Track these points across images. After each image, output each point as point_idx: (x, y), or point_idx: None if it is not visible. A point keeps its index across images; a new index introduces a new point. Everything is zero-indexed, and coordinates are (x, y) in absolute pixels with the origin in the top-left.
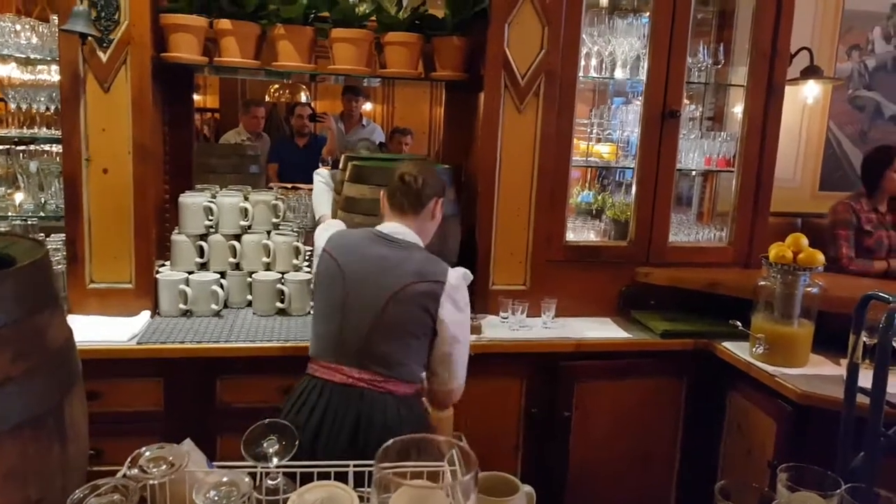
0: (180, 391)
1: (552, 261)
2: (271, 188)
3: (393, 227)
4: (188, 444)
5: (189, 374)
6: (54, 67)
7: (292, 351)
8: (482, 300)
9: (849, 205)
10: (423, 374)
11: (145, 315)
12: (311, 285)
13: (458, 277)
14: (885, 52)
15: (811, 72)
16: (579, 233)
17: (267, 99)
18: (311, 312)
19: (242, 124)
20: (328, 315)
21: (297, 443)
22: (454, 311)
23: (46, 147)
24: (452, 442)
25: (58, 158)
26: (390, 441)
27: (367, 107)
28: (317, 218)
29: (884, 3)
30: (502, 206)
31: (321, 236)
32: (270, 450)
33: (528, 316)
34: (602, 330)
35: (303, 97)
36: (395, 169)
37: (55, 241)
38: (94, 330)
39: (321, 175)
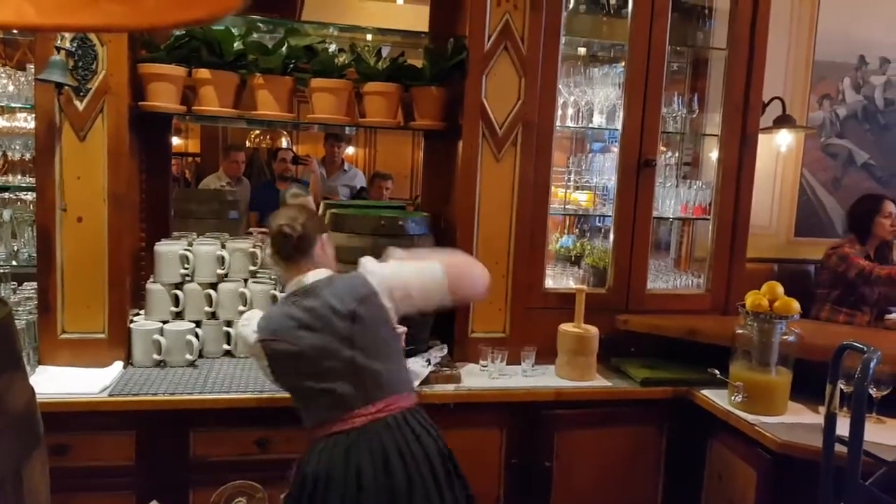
0: (153, 444)
1: (531, 308)
2: (251, 233)
3: (297, 281)
4: None
5: (162, 426)
6: (30, 115)
7: (268, 402)
8: (462, 348)
9: (846, 245)
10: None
11: (118, 366)
12: (269, 375)
13: (370, 268)
14: (855, 101)
15: (784, 121)
16: (558, 280)
17: (248, 144)
18: (290, 394)
19: (223, 169)
20: (314, 388)
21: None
22: (382, 277)
23: (21, 195)
24: None
25: (31, 207)
26: None
27: (350, 151)
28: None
29: (852, 55)
30: (481, 253)
31: (245, 332)
32: None
33: (507, 364)
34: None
35: (284, 142)
36: (273, 226)
37: (27, 290)
38: (64, 381)
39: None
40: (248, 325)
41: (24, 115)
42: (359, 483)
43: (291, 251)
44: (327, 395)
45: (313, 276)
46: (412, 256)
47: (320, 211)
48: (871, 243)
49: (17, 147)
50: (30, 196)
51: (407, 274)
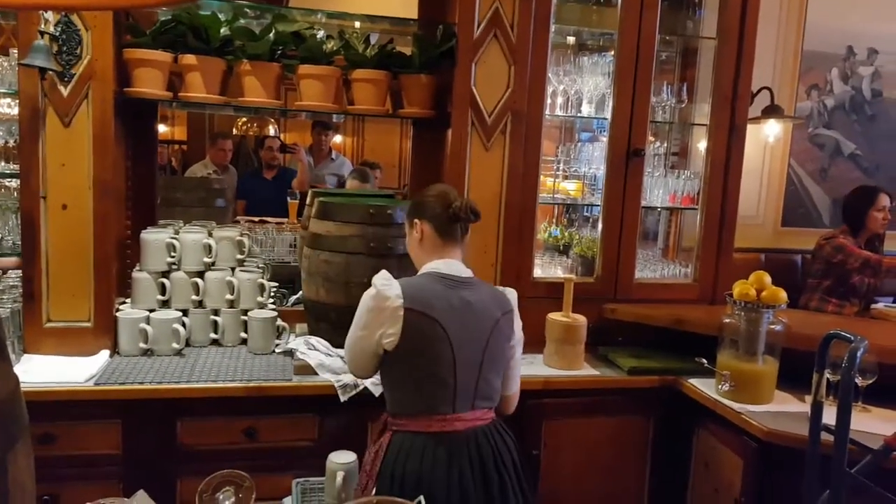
0: (139, 433)
1: (520, 297)
2: (238, 222)
3: (450, 265)
4: (141, 496)
5: (149, 415)
6: (14, 101)
7: (256, 391)
8: None
9: (840, 235)
10: None
11: (104, 355)
12: (390, 343)
13: (514, 296)
14: (842, 92)
15: (772, 111)
16: (547, 269)
17: (235, 132)
18: (401, 372)
19: (209, 157)
20: (435, 375)
21: (254, 496)
22: (520, 328)
23: (4, 182)
24: None
25: (15, 194)
26: None
27: (338, 139)
28: None
29: (840, 46)
30: (470, 242)
31: (388, 292)
32: (227, 502)
33: None
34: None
35: (271, 130)
36: (441, 195)
37: (12, 278)
38: (50, 371)
39: None
40: (390, 285)
41: (8, 100)
42: (461, 488)
43: (462, 233)
44: (444, 387)
45: (461, 267)
46: None
47: (308, 199)
48: (862, 235)
49: (1, 133)
50: (13, 183)
51: (519, 357)
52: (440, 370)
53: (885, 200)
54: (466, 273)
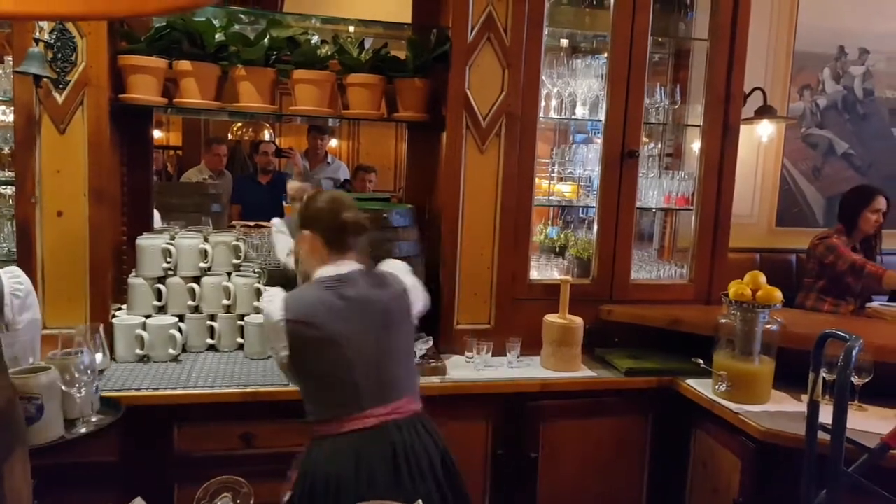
0: (136, 440)
1: (517, 299)
2: (233, 227)
3: (339, 266)
4: (138, 503)
5: (145, 422)
6: (9, 108)
7: (253, 396)
8: (447, 340)
9: (833, 235)
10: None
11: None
12: (284, 357)
13: (404, 271)
14: (834, 91)
15: (765, 111)
16: (543, 271)
17: (230, 137)
18: (303, 382)
19: (204, 162)
20: (334, 379)
21: (252, 502)
22: (410, 279)
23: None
24: None
25: (11, 201)
26: None
27: (333, 143)
28: (281, 264)
29: (832, 46)
30: (466, 245)
31: (270, 309)
32: None
33: (493, 355)
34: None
35: (266, 135)
36: (334, 210)
37: None
38: None
39: (275, 225)
40: (273, 301)
41: (3, 107)
42: (370, 486)
43: (352, 242)
44: (344, 389)
45: (349, 265)
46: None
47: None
48: (856, 235)
49: None
50: (9, 190)
51: (419, 287)
52: (337, 372)
53: (881, 203)
54: (348, 269)
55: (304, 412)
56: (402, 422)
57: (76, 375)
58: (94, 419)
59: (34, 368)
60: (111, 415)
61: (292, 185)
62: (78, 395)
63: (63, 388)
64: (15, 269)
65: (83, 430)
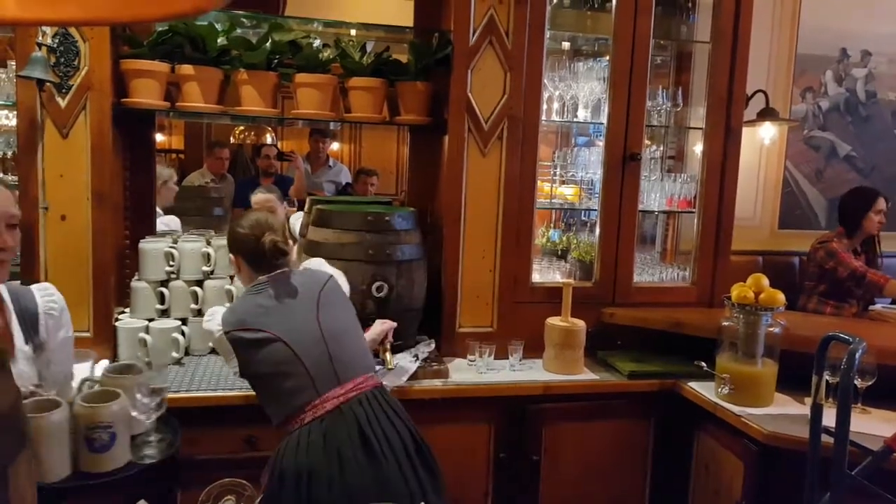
0: None
1: (519, 302)
2: None
3: (261, 277)
4: None
5: None
6: (12, 112)
7: (255, 400)
8: (449, 343)
9: (837, 240)
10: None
11: (103, 364)
12: (236, 368)
13: (323, 263)
14: (836, 94)
15: (767, 114)
16: (545, 274)
17: (232, 140)
18: (259, 386)
19: (206, 166)
20: (284, 374)
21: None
22: (331, 268)
23: None
24: None
25: None
26: None
27: (335, 146)
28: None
29: (834, 48)
30: (468, 248)
31: (210, 326)
32: None
33: (495, 358)
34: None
35: (268, 138)
36: (253, 236)
37: None
38: None
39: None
40: (213, 319)
41: (6, 112)
42: (341, 466)
43: (272, 264)
44: (297, 380)
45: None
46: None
47: (306, 207)
48: (858, 237)
49: None
50: None
51: (342, 275)
52: (285, 368)
53: (882, 204)
54: (274, 272)
55: (270, 420)
56: (362, 397)
57: (139, 398)
58: (152, 438)
59: (102, 393)
60: (167, 433)
61: (257, 199)
62: (147, 420)
63: (133, 414)
64: (48, 287)
65: (150, 456)
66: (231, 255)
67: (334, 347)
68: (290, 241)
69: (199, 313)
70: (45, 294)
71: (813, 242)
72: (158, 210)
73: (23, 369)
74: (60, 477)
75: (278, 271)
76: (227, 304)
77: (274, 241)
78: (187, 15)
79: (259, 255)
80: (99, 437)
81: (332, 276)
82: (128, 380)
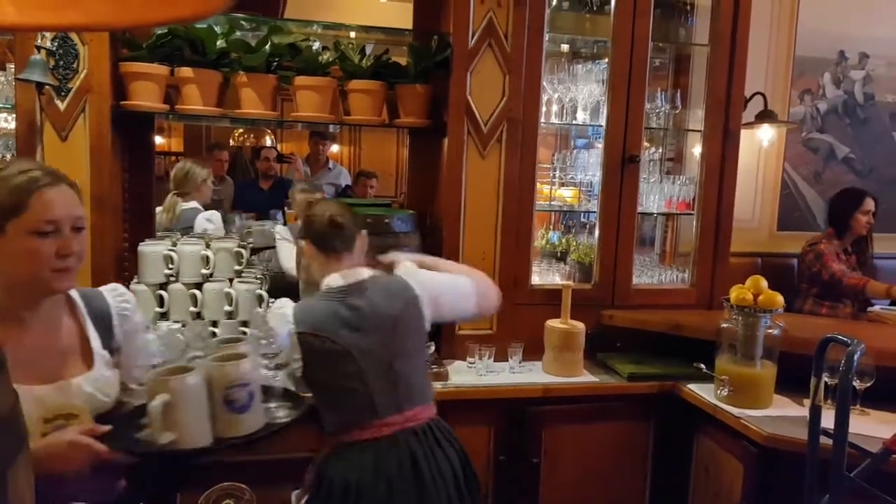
0: None
1: (518, 304)
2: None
3: (346, 275)
4: None
5: None
6: (11, 115)
7: None
8: (449, 345)
9: (826, 242)
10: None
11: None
12: (297, 370)
13: (410, 273)
14: (835, 96)
15: (765, 116)
16: (544, 276)
17: (231, 143)
18: (317, 393)
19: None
20: (347, 389)
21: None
22: (422, 284)
23: None
24: None
25: None
26: None
27: (334, 149)
28: (286, 273)
29: (832, 50)
30: (468, 250)
31: (280, 317)
32: None
33: (494, 360)
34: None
35: (268, 141)
36: (318, 214)
37: None
38: None
39: (278, 233)
40: (283, 311)
41: (5, 115)
42: (390, 492)
43: (338, 244)
44: (359, 398)
45: (356, 274)
46: (422, 262)
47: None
48: (848, 238)
49: None
50: None
51: (440, 284)
52: (348, 383)
53: (870, 204)
54: (355, 278)
55: (322, 421)
56: (418, 429)
57: (259, 360)
58: (273, 403)
59: (229, 355)
60: (287, 397)
61: (299, 199)
62: (276, 379)
63: (263, 372)
64: (117, 287)
65: (283, 417)
66: (300, 241)
67: (400, 373)
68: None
69: (199, 316)
70: (115, 294)
71: (804, 244)
72: (198, 205)
73: (104, 374)
74: (202, 444)
75: (361, 279)
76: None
77: (331, 216)
78: (188, 20)
79: (321, 233)
80: (238, 397)
81: (417, 295)
82: (244, 343)
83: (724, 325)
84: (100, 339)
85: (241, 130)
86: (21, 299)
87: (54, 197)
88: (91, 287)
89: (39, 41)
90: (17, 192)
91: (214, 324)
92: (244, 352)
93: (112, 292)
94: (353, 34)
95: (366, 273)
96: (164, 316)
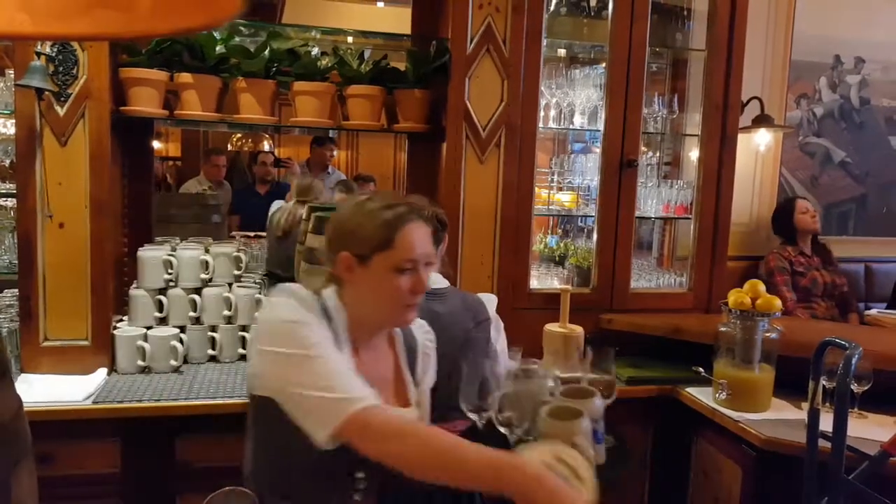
0: (138, 452)
1: (517, 308)
2: (234, 237)
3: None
4: None
5: (147, 433)
6: (10, 121)
7: None
8: None
9: (778, 253)
10: None
11: (102, 373)
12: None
13: (493, 302)
14: (831, 100)
15: (762, 120)
16: (543, 280)
17: (229, 147)
18: None
19: (203, 173)
20: None
21: None
22: (500, 338)
23: (1, 201)
24: None
25: (12, 213)
26: None
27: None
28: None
29: (828, 55)
30: (466, 254)
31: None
32: None
33: None
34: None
35: (265, 145)
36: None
37: (8, 297)
38: (47, 389)
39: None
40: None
41: (4, 120)
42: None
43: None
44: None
45: (437, 279)
46: None
47: (304, 214)
48: (801, 240)
49: None
50: (10, 202)
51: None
52: None
53: (804, 205)
54: (439, 284)
55: None
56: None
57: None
58: None
59: (575, 389)
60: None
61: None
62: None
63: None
64: (425, 324)
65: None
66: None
67: (457, 386)
68: None
69: (198, 321)
70: (424, 331)
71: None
72: None
73: (415, 412)
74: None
75: (442, 286)
76: None
77: (435, 211)
78: (197, 30)
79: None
80: (599, 429)
81: (490, 319)
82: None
83: (723, 329)
84: (409, 373)
85: (238, 135)
86: (366, 329)
87: (416, 235)
88: (90, 291)
89: (39, 47)
90: (385, 228)
91: (214, 328)
92: (584, 385)
93: (420, 328)
94: (351, 39)
95: (444, 281)
96: (163, 321)
